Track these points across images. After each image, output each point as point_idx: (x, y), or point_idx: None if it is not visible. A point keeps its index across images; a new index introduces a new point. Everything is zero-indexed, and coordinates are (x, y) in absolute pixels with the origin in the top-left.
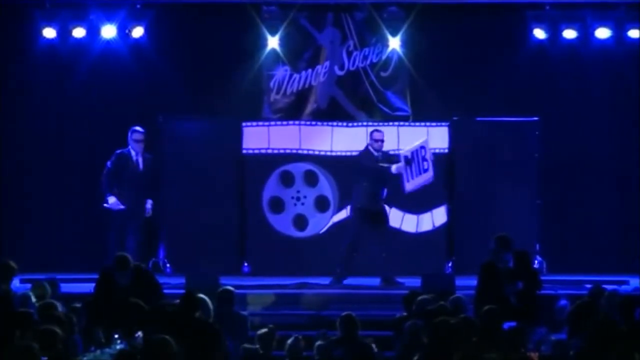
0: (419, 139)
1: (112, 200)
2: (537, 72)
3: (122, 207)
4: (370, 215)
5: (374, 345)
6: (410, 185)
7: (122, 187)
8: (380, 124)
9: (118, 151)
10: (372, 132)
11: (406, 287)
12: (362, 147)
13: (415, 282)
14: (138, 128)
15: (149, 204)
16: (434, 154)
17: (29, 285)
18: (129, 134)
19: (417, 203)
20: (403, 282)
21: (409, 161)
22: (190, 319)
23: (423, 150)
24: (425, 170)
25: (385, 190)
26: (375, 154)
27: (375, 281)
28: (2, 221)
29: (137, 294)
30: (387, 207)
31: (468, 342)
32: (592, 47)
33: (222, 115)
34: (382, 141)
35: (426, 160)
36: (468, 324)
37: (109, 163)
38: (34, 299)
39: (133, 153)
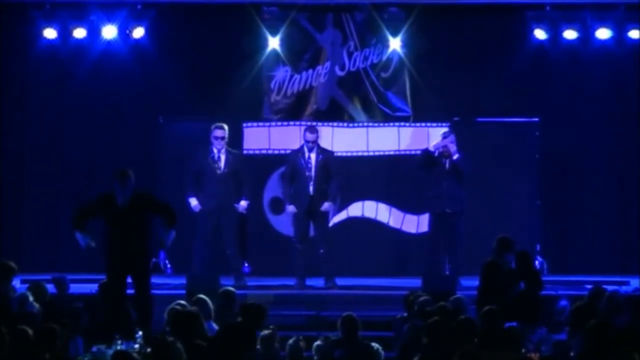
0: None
1: (193, 202)
2: (537, 72)
3: (200, 207)
4: None
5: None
6: None
7: (205, 186)
8: (381, 124)
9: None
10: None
11: (406, 288)
12: (363, 148)
13: (415, 282)
14: (218, 124)
15: (244, 202)
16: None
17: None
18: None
19: (417, 204)
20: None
21: None
22: None
23: None
24: None
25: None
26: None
27: (376, 282)
28: (2, 221)
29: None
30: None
31: (468, 342)
32: (592, 48)
33: (222, 115)
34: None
35: None
36: (468, 325)
37: (192, 163)
38: (31, 299)
39: (215, 151)
